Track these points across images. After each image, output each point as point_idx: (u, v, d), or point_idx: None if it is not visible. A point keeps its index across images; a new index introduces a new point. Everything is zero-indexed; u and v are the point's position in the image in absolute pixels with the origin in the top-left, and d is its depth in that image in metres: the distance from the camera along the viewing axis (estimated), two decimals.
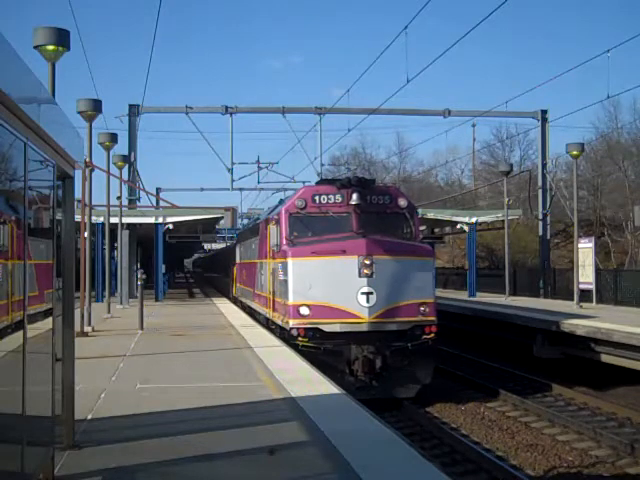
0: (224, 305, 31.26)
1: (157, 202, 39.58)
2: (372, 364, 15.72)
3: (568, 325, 19.85)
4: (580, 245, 27.57)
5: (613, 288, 27.76)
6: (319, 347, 15.78)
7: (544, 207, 37.61)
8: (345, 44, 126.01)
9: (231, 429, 8.27)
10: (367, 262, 15.62)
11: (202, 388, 10.84)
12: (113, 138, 26.05)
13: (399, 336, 15.94)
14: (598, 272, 28.34)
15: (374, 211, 17.20)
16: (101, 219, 28.97)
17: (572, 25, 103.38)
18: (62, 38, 14.88)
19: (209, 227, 44.91)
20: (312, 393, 10.24)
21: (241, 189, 49.97)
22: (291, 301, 16.27)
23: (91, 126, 19.94)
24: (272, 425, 8.38)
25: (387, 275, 15.89)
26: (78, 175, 8.54)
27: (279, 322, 17.61)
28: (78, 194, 14.48)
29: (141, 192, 38.35)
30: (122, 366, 13.05)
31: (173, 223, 34.18)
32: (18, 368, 4.72)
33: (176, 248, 52.98)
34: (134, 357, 14.38)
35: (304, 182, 37.20)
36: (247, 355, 14.43)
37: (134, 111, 36.80)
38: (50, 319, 5.95)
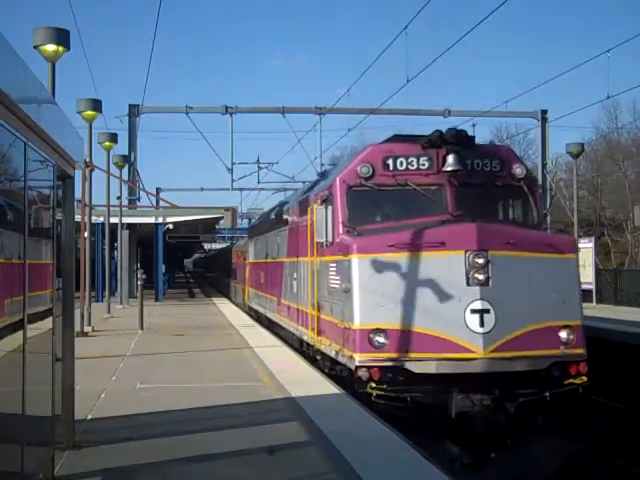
0: (224, 305, 31.26)
1: (157, 202, 39.59)
2: (490, 425, 10.10)
3: None
4: (580, 245, 27.54)
5: (613, 288, 27.78)
6: (405, 398, 10.17)
7: (544, 207, 37.59)
8: (346, 44, 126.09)
9: (231, 429, 8.27)
10: (480, 261, 10.14)
11: (202, 388, 10.84)
12: (113, 138, 26.13)
13: (530, 380, 10.25)
14: (598, 272, 28.36)
15: (479, 182, 11.57)
16: (101, 219, 28.99)
17: (572, 25, 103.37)
18: (62, 38, 14.90)
19: (209, 227, 45.02)
20: (312, 393, 10.24)
21: (241, 189, 49.75)
22: (358, 323, 10.44)
23: (91, 126, 19.99)
24: (272, 425, 8.38)
25: (510, 282, 10.32)
26: (78, 175, 8.55)
27: (331, 353, 11.81)
28: (78, 194, 14.48)
29: (141, 192, 38.37)
30: (122, 366, 13.05)
31: (173, 223, 34.22)
32: (18, 368, 4.72)
33: (176, 248, 53.11)
34: (134, 357, 14.37)
35: (304, 182, 37.21)
36: (247, 355, 14.42)
37: (134, 111, 36.78)
38: (50, 319, 5.95)
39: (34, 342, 5.15)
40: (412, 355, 10.18)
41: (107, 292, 26.78)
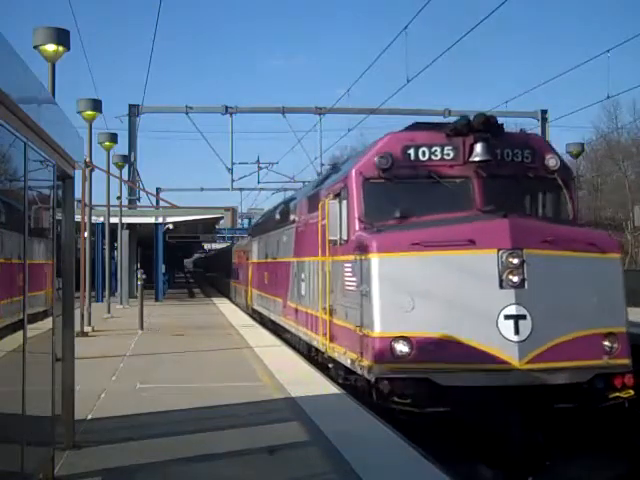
0: (224, 305, 31.26)
1: (157, 202, 39.64)
2: (527, 444, 8.82)
3: None
4: None
5: None
6: (431, 414, 9.08)
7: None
8: (346, 44, 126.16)
9: (231, 429, 8.27)
10: (515, 261, 9.13)
11: (202, 388, 10.84)
12: (113, 138, 26.15)
13: (570, 394, 9.12)
14: None
15: (509, 174, 10.52)
16: (101, 219, 29.00)
17: (572, 25, 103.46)
18: (62, 38, 14.92)
19: (209, 227, 45.03)
20: (312, 393, 10.23)
21: (241, 189, 49.97)
22: (378, 330, 9.39)
23: (91, 126, 20.01)
24: (272, 425, 8.38)
25: (548, 284, 9.31)
26: (78, 175, 8.55)
27: (345, 362, 10.80)
28: (78, 194, 14.49)
29: (141, 192, 38.42)
30: (122, 366, 13.05)
31: (173, 223, 34.23)
32: (18, 368, 4.72)
33: (176, 248, 53.10)
34: (134, 357, 14.37)
35: (304, 182, 37.23)
36: (247, 355, 14.42)
37: (134, 111, 36.82)
38: (50, 319, 5.96)
39: (34, 342, 5.16)
40: (438, 366, 9.08)
41: (107, 292, 26.78)
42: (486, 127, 10.31)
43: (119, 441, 7.68)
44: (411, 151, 10.50)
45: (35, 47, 14.85)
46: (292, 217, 16.20)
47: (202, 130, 39.44)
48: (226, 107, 37.16)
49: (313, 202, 13.41)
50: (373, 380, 9.34)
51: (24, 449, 4.83)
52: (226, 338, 17.56)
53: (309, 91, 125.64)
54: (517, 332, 8.95)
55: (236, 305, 31.24)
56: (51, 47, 14.76)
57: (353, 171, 10.75)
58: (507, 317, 8.99)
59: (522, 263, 9.13)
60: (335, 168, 13.76)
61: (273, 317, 19.63)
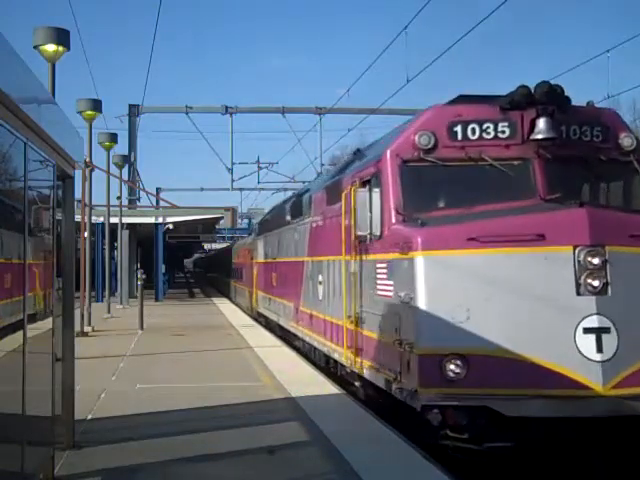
0: (224, 305, 31.27)
1: (157, 202, 39.66)
2: None
3: None
4: None
5: None
6: (493, 451, 7.45)
7: None
8: (346, 44, 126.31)
9: (231, 429, 8.27)
10: (595, 261, 7.43)
11: (202, 388, 10.84)
12: (113, 138, 26.20)
13: None
14: None
15: (577, 156, 8.70)
16: (101, 219, 29.02)
17: (572, 25, 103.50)
18: (62, 38, 14.94)
19: (209, 227, 45.09)
20: (312, 393, 10.24)
21: (241, 189, 50.03)
22: (425, 346, 7.65)
23: (91, 126, 20.03)
24: (272, 425, 8.38)
25: (636, 290, 7.59)
26: (78, 175, 8.56)
27: (378, 382, 9.06)
28: (78, 194, 14.48)
29: (141, 192, 38.45)
30: (122, 366, 13.06)
31: (173, 223, 34.26)
32: (18, 368, 4.72)
33: (176, 248, 53.16)
34: (134, 357, 14.38)
35: (304, 182, 37.24)
36: (247, 355, 14.43)
37: (134, 111, 36.84)
38: (50, 319, 5.96)
39: (34, 342, 5.16)
40: (501, 391, 7.37)
41: (107, 292, 26.80)
42: (550, 98, 8.53)
43: (119, 441, 7.68)
44: (458, 128, 8.71)
45: (35, 47, 14.87)
46: (306, 211, 14.41)
47: (202, 130, 39.56)
48: (226, 107, 37.17)
49: (333, 193, 11.62)
50: (419, 408, 7.58)
51: (24, 449, 4.83)
52: (226, 338, 17.56)
53: (309, 91, 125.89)
54: (600, 349, 7.28)
55: (236, 305, 31.17)
56: (51, 47, 14.79)
57: (388, 152, 8.91)
58: (587, 331, 7.33)
59: (604, 263, 7.44)
60: (358, 154, 11.65)
61: (282, 322, 17.82)
